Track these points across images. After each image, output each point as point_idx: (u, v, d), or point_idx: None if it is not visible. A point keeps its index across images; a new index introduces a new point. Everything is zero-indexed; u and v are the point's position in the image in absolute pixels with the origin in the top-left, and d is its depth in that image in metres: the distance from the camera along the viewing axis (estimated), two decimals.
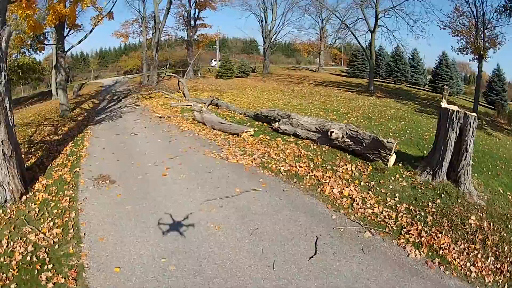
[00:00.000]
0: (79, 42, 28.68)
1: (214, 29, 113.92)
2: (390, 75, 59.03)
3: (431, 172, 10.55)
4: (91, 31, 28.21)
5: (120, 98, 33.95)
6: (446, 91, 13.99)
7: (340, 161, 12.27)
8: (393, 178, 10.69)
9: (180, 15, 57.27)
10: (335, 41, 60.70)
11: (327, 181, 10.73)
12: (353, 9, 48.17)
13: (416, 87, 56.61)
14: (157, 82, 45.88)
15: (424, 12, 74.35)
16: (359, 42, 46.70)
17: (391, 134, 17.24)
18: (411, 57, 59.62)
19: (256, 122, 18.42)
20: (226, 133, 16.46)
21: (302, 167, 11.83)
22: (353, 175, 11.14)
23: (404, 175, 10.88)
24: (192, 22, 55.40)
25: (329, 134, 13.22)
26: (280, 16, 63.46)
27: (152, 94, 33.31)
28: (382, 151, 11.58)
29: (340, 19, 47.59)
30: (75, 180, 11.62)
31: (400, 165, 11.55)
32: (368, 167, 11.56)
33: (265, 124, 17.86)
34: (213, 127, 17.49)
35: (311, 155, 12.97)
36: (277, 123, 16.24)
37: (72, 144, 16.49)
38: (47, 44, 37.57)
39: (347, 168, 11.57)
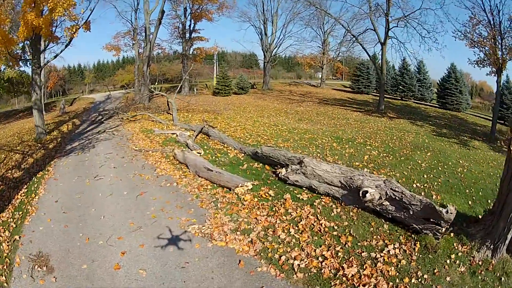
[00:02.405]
0: (55, 56, 27.61)
1: (212, 42, 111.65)
2: (396, 90, 55.81)
3: (492, 247, 7.87)
4: (67, 44, 25.64)
5: (103, 120, 30.57)
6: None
7: (377, 237, 8.66)
8: (448, 262, 7.74)
9: (174, 26, 54.86)
10: (338, 54, 58.53)
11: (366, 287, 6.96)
12: (358, 19, 44.70)
13: (423, 103, 53.89)
14: (150, 99, 42.33)
15: (439, 21, 70.38)
16: (368, 55, 44.01)
17: (425, 176, 14.37)
18: (417, 70, 56.52)
19: (256, 164, 14.55)
20: (215, 184, 12.47)
21: (326, 257, 7.88)
22: (399, 265, 7.68)
23: (459, 253, 7.97)
24: (188, 35, 52.85)
25: (361, 195, 9.36)
26: (281, 28, 60.97)
27: (138, 116, 29.49)
28: (435, 221, 8.16)
29: (347, 29, 44.00)
30: (11, 257, 8.82)
31: (452, 234, 8.44)
32: (415, 245, 8.18)
33: (267, 167, 14.02)
34: (197, 174, 13.44)
35: (336, 228, 9.09)
36: (284, 169, 12.33)
37: (26, 189, 13.74)
38: (20, 59, 33.90)
39: (389, 252, 8.04)
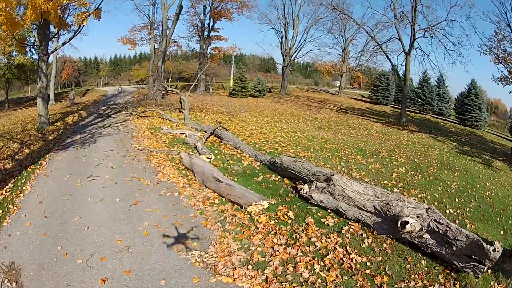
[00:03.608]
0: (63, 44, 26.27)
1: (230, 42, 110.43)
2: (415, 103, 53.84)
3: None
4: (76, 32, 24.07)
5: (111, 113, 28.93)
6: None
7: (415, 276, 7.17)
8: None
9: (193, 24, 53.10)
10: (358, 63, 59.96)
11: None
12: (381, 28, 43.74)
13: (442, 118, 52.08)
14: (163, 96, 40.90)
15: (465, 34, 68.54)
16: (392, 65, 42.13)
17: (456, 200, 12.96)
18: (436, 84, 54.77)
19: (273, 176, 12.66)
20: (223, 198, 10.59)
21: None
22: None
23: None
24: (206, 33, 51.63)
25: (400, 226, 7.69)
26: (302, 33, 59.62)
27: (148, 112, 27.81)
28: (479, 259, 6.95)
29: (371, 36, 42.26)
30: None
31: (489, 270, 7.28)
32: (454, 286, 6.94)
33: (285, 180, 12.15)
34: (204, 183, 11.53)
35: (369, 264, 7.38)
36: (306, 185, 10.47)
37: (13, 184, 12.28)
38: (27, 45, 32.45)
39: None
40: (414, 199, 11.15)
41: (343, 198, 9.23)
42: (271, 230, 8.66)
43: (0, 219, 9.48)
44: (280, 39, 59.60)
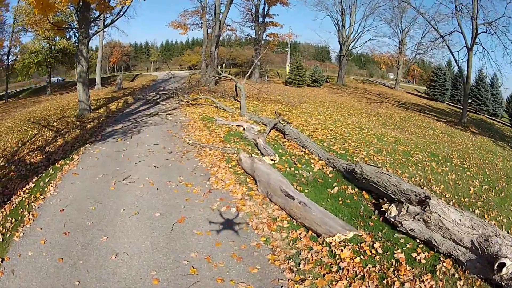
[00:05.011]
0: (105, 26, 25.54)
1: (285, 29, 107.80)
2: (471, 103, 50.67)
3: None
4: (119, 14, 22.92)
5: (160, 100, 27.11)
6: None
7: None
8: None
9: (247, 9, 51.05)
10: (415, 55, 58.06)
11: None
12: (441, 20, 40.07)
13: (495, 119, 48.94)
14: (216, 82, 39.03)
15: None
16: (455, 60, 38.38)
17: None
18: (490, 83, 51.83)
19: (349, 188, 9.88)
20: (294, 220, 7.86)
21: None
22: None
23: None
24: (261, 19, 49.55)
25: (496, 268, 6.07)
26: (360, 21, 57.52)
27: (200, 99, 25.59)
28: None
29: (434, 27, 39.21)
30: None
31: None
32: None
33: (364, 194, 9.46)
34: (268, 197, 8.83)
35: None
36: (394, 207, 7.81)
37: (34, 184, 10.22)
38: (64, 28, 30.88)
39: None
40: (494, 224, 9.27)
41: (439, 229, 6.99)
42: (357, 272, 6.19)
43: (12, 230, 7.57)
44: (337, 27, 57.88)
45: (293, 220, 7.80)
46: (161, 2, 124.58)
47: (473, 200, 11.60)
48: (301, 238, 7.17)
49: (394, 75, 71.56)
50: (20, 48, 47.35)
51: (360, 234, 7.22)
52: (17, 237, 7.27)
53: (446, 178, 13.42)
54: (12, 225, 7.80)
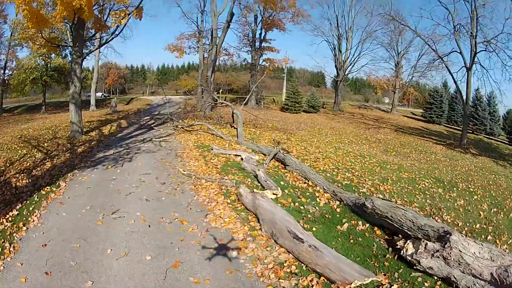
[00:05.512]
0: (100, 46, 24.69)
1: (282, 54, 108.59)
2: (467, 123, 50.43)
3: None
4: (114, 33, 22.48)
5: (154, 125, 26.50)
6: None
7: None
8: None
9: (243, 34, 51.75)
10: (412, 78, 59.10)
11: None
12: (438, 40, 40.49)
13: (493, 138, 49.60)
14: (212, 108, 38.47)
15: None
16: (454, 81, 37.90)
17: None
18: (487, 102, 53.10)
19: (360, 223, 9.01)
20: (303, 265, 6.95)
21: None
22: None
23: None
24: (257, 44, 49.97)
25: None
26: (356, 45, 57.75)
27: (195, 126, 24.85)
28: None
29: (433, 49, 39.55)
30: None
31: None
32: None
33: (376, 230, 8.62)
34: (274, 238, 7.91)
35: None
36: (410, 244, 7.08)
37: (18, 212, 9.37)
38: (58, 45, 30.32)
39: None
40: (506, 248, 9.16)
41: (459, 264, 6.39)
42: None
43: None
44: (333, 52, 58.33)
45: (302, 264, 6.94)
46: (156, 24, 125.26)
47: (484, 226, 11.12)
48: (312, 285, 6.33)
49: (389, 99, 72.88)
50: (16, 64, 47.39)
51: (379, 279, 6.38)
52: None
53: (455, 204, 12.99)
54: None
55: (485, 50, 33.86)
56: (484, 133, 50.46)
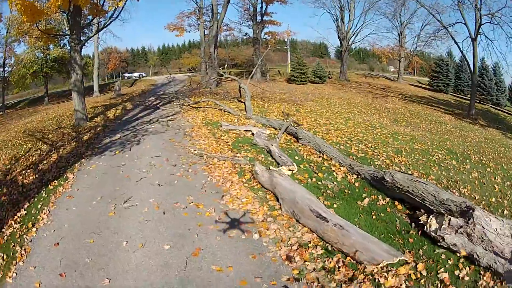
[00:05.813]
0: (98, 31, 25.39)
1: (284, 27, 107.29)
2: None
3: None
4: (111, 17, 22.23)
5: (160, 105, 26.19)
6: None
7: None
8: None
9: (244, 8, 50.58)
10: (416, 47, 57.75)
11: None
12: (442, 10, 40.29)
13: (500, 108, 48.92)
14: (217, 84, 38.12)
15: None
16: (461, 50, 37.80)
17: None
18: (493, 72, 52.04)
19: (380, 198, 8.61)
20: (328, 245, 6.56)
21: None
22: None
23: None
24: (259, 17, 49.26)
25: None
26: (359, 16, 58.06)
27: (202, 102, 24.43)
28: None
29: (438, 20, 39.27)
30: None
31: None
32: None
33: (397, 204, 8.21)
34: (296, 218, 7.51)
35: None
36: (433, 219, 6.73)
37: (26, 211, 8.96)
38: (55, 35, 29.61)
39: None
40: None
41: (482, 241, 6.17)
42: None
43: (4, 269, 6.45)
44: (336, 23, 56.94)
45: (327, 244, 6.55)
46: (156, 5, 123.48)
47: (500, 200, 10.73)
48: (339, 267, 5.94)
49: (394, 68, 71.88)
50: (14, 60, 46.82)
51: (407, 259, 6.00)
52: (9, 277, 6.21)
53: (470, 177, 12.63)
54: (5, 262, 6.71)
55: (490, 23, 33.93)
56: (490, 103, 50.03)
